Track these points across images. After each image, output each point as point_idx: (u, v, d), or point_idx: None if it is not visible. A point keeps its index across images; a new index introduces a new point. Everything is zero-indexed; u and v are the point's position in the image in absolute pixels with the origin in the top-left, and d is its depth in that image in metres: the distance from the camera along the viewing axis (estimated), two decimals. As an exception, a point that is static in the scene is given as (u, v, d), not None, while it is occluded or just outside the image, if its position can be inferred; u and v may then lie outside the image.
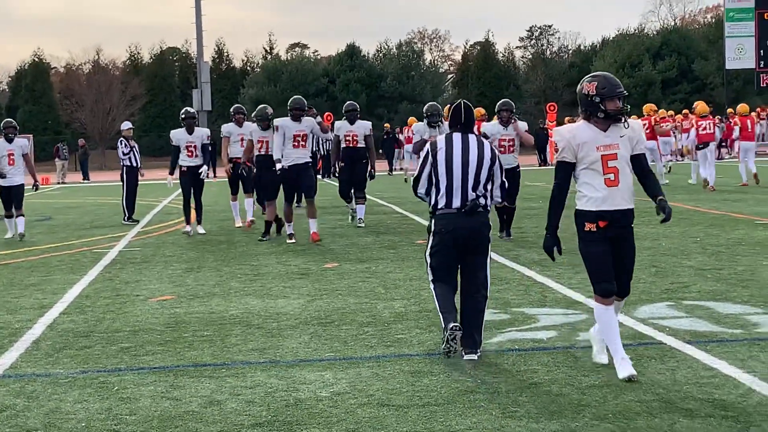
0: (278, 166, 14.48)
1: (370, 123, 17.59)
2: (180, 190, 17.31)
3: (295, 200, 18.70)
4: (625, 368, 6.36)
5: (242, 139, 17.16)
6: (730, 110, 30.56)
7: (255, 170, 15.79)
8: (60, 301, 10.14)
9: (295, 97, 15.28)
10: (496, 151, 7.45)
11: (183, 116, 16.98)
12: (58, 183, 46.61)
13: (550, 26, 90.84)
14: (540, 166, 43.64)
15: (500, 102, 14.77)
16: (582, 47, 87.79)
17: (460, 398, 6.01)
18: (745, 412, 5.55)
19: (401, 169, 46.59)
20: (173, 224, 19.03)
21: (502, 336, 7.77)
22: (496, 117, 14.52)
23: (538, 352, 7.21)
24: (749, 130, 26.97)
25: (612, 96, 6.46)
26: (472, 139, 7.27)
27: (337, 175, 18.55)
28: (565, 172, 6.56)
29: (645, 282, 10.09)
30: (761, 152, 46.60)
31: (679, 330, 7.74)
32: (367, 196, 21.94)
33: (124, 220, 19.95)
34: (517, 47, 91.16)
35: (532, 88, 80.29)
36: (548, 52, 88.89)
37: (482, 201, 7.25)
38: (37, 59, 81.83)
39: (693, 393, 5.96)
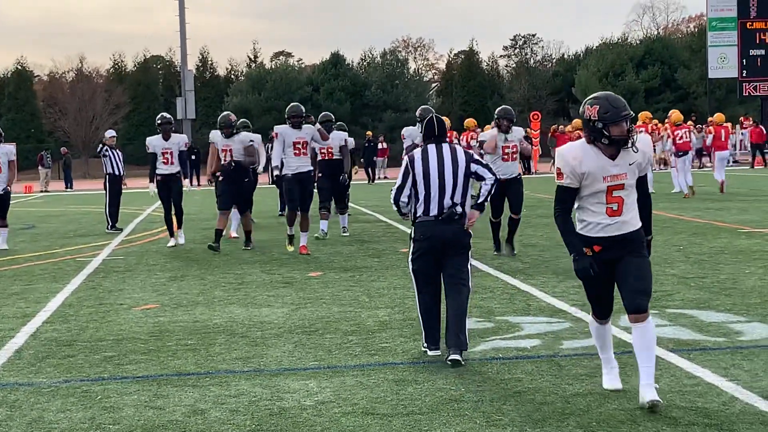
0: (276, 172, 14.48)
1: (345, 133, 17.27)
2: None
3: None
4: (611, 380, 6.33)
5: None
6: (711, 119, 30.92)
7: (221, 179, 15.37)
8: (43, 310, 10.10)
9: (293, 104, 15.00)
10: (470, 152, 7.77)
11: (159, 121, 16.40)
12: (42, 191, 46.44)
13: (533, 35, 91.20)
14: (524, 174, 43.69)
15: (499, 109, 14.13)
16: (566, 56, 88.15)
17: (445, 407, 6.01)
18: (729, 420, 5.57)
19: (385, 177, 46.64)
20: (157, 233, 18.98)
21: (485, 344, 7.78)
22: (493, 124, 13.80)
23: (522, 360, 7.22)
24: (722, 140, 27.48)
25: (616, 121, 5.88)
26: (446, 148, 7.63)
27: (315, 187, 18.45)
28: (570, 197, 6.02)
29: (628, 290, 10.10)
30: (744, 161, 46.89)
31: (663, 338, 7.76)
32: (351, 205, 22.02)
33: (107, 228, 19.89)
34: (501, 56, 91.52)
35: (516, 96, 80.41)
36: (532, 61, 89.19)
37: (459, 209, 7.52)
38: (20, 67, 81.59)
39: (676, 401, 5.98)
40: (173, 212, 16.37)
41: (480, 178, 7.66)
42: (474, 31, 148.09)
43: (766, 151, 44.11)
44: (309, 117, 15.98)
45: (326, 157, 16.69)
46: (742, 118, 44.58)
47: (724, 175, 26.68)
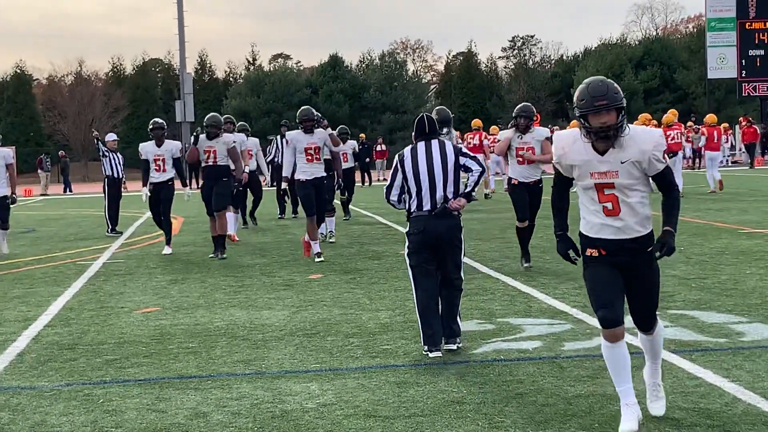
0: (286, 180, 14.16)
1: (354, 142, 17.11)
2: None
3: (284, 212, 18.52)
4: (626, 420, 5.42)
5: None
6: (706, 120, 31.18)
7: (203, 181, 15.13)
8: (44, 314, 10.10)
9: (304, 107, 14.46)
10: (459, 145, 8.13)
11: (150, 127, 15.95)
12: (41, 195, 46.44)
13: (532, 36, 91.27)
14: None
15: (518, 107, 12.63)
16: (564, 57, 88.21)
17: (447, 409, 6.01)
18: (731, 421, 5.57)
19: (385, 179, 46.65)
20: (157, 236, 18.97)
21: (487, 346, 7.78)
22: (510, 123, 12.84)
23: (524, 362, 7.22)
24: (715, 141, 28.17)
25: (590, 110, 5.28)
26: (434, 143, 7.89)
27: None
28: (561, 182, 5.69)
29: (629, 291, 10.10)
30: (739, 161, 46.91)
31: (664, 339, 7.74)
32: (351, 207, 22.02)
33: (107, 232, 19.89)
34: (499, 57, 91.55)
35: (515, 98, 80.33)
36: (531, 62, 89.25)
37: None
38: (19, 71, 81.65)
39: (678, 402, 5.98)
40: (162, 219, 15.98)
41: (468, 169, 7.90)
42: (472, 33, 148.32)
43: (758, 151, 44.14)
44: (322, 121, 15.63)
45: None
46: (741, 119, 44.59)
47: (718, 174, 27.03)
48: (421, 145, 7.88)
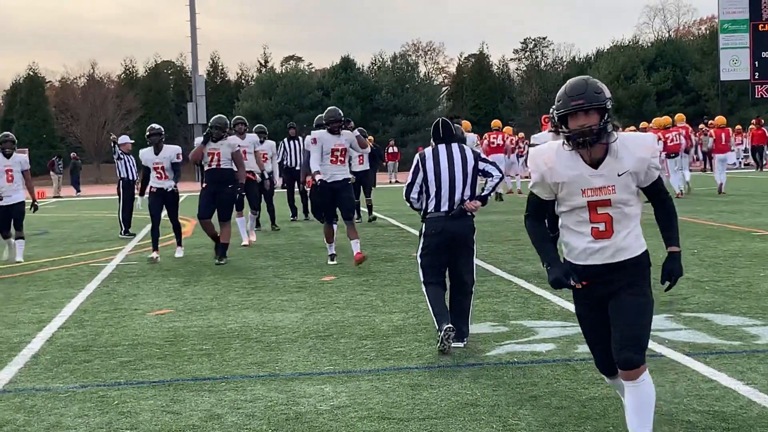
0: (317, 177, 13.31)
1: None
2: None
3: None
4: None
5: (244, 152, 16.58)
6: (711, 121, 31.33)
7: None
8: (58, 315, 10.13)
9: (330, 108, 14.02)
10: (477, 151, 8.35)
11: (147, 134, 15.34)
12: (54, 197, 46.58)
13: (544, 38, 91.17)
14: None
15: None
16: (576, 59, 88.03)
17: (461, 411, 6.01)
18: (746, 424, 5.56)
19: (396, 181, 46.65)
20: (170, 238, 19.01)
21: (501, 348, 7.78)
22: (548, 125, 12.48)
23: (538, 364, 7.22)
24: (723, 143, 28.38)
25: (568, 111, 4.62)
26: (455, 147, 8.14)
27: (308, 195, 17.37)
28: (540, 208, 4.91)
29: (643, 294, 10.09)
30: (752, 163, 46.74)
31: (678, 342, 7.75)
32: (362, 210, 22.03)
33: (120, 234, 19.94)
34: (511, 59, 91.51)
35: (527, 100, 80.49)
36: (543, 64, 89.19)
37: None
38: (32, 73, 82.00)
39: (693, 405, 5.97)
40: (166, 225, 15.69)
41: (488, 174, 8.24)
42: (484, 35, 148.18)
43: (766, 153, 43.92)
44: (349, 122, 15.43)
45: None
46: (754, 121, 44.46)
47: (725, 177, 27.34)
48: (441, 147, 8.13)
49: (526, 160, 31.61)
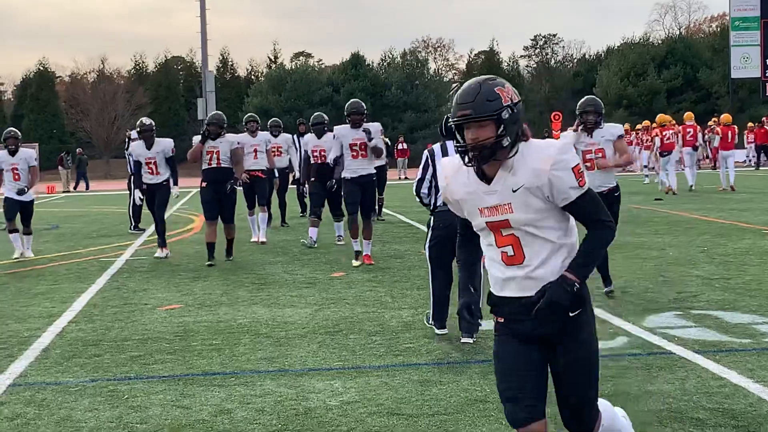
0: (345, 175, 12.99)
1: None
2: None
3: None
4: None
5: (255, 150, 16.53)
6: (714, 118, 31.51)
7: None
8: (69, 310, 10.16)
9: (353, 100, 13.60)
10: None
11: (138, 129, 14.82)
12: (64, 192, 46.69)
13: (554, 35, 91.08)
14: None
15: (583, 101, 10.35)
16: (587, 56, 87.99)
17: (470, 407, 6.02)
18: (755, 421, 5.55)
19: (406, 178, 46.66)
20: (179, 233, 19.07)
21: (510, 345, 7.77)
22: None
23: (547, 361, 7.20)
24: (729, 140, 28.72)
25: (455, 123, 3.93)
26: None
27: (305, 194, 16.71)
28: (464, 223, 4.35)
29: (652, 291, 10.09)
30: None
31: (688, 340, 7.74)
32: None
33: (130, 229, 19.98)
34: (521, 56, 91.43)
35: (537, 97, 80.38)
36: (553, 61, 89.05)
37: None
38: (42, 68, 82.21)
39: (703, 403, 5.96)
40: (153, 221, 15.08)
41: None
42: (494, 32, 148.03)
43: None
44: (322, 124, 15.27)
45: (319, 160, 15.13)
46: (765, 119, 44.35)
47: (733, 174, 27.72)
48: (450, 143, 8.24)
49: None
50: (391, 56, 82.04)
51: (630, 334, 8.03)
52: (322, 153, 15.10)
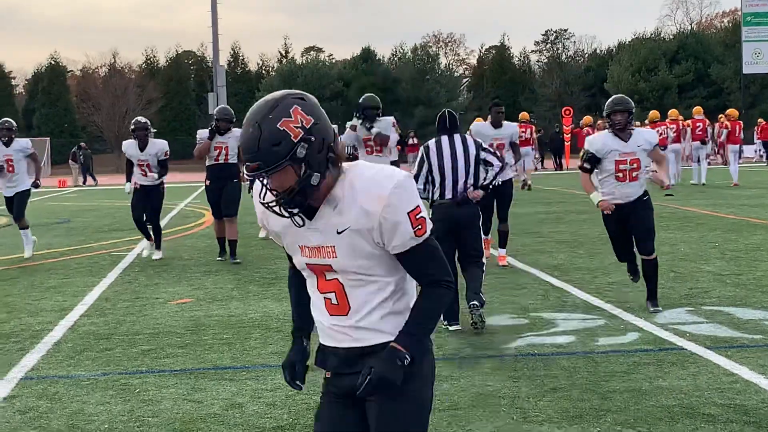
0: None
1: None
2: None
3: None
4: None
5: None
6: (721, 115, 31.64)
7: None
8: (80, 304, 10.19)
9: (368, 94, 13.05)
10: (479, 141, 8.78)
11: (132, 127, 13.88)
12: (75, 186, 46.79)
13: (565, 30, 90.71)
14: (556, 170, 43.60)
15: (611, 99, 9.08)
16: (598, 51, 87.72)
17: (481, 402, 6.02)
18: (767, 417, 5.54)
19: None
20: (191, 227, 19.09)
21: (521, 340, 7.78)
22: (602, 122, 11.28)
23: (558, 356, 7.21)
24: (736, 135, 29.24)
25: (251, 176, 3.19)
26: (457, 138, 8.59)
27: None
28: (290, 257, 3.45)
29: (664, 287, 10.06)
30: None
31: (700, 335, 7.73)
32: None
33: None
34: (532, 51, 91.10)
35: (548, 92, 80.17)
36: (564, 56, 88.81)
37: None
38: (53, 62, 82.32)
39: (714, 398, 5.96)
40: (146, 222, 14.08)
41: (488, 164, 8.60)
42: (505, 26, 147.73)
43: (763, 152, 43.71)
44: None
45: None
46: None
47: (737, 168, 28.17)
48: (444, 139, 8.58)
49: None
50: (401, 51, 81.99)
51: (641, 330, 8.02)
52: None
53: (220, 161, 13.25)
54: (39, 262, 14.06)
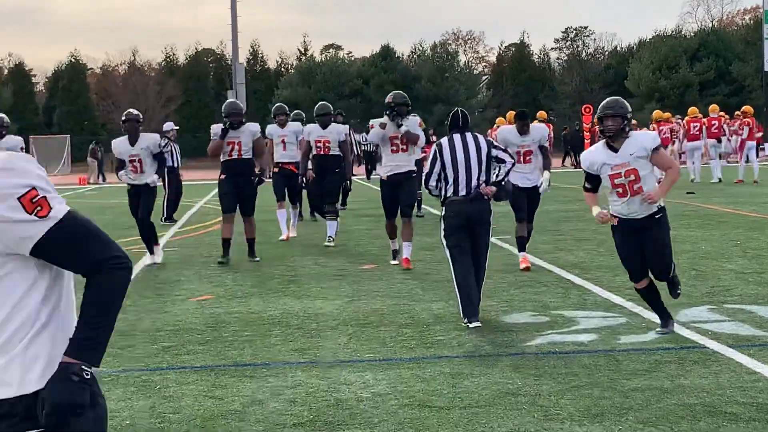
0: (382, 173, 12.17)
1: (346, 127, 15.45)
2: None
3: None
4: None
5: (284, 142, 15.68)
6: (737, 112, 31.58)
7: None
8: (101, 301, 10.20)
9: (396, 92, 12.56)
10: (490, 139, 9.11)
11: (123, 119, 13.14)
12: (95, 183, 46.97)
13: (585, 27, 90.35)
14: (575, 168, 43.48)
15: (603, 103, 7.81)
16: (618, 49, 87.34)
17: (502, 400, 6.00)
18: (791, 416, 5.51)
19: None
20: (211, 224, 19.13)
21: (542, 338, 7.75)
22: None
23: (579, 354, 7.19)
24: (753, 131, 29.20)
25: None
26: (469, 136, 8.78)
27: (304, 187, 15.54)
28: None
29: (685, 285, 9.98)
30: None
31: (722, 334, 7.69)
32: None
33: (161, 219, 20.07)
34: (552, 49, 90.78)
35: (568, 89, 79.93)
36: (584, 54, 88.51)
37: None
38: (73, 60, 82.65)
39: (736, 397, 5.92)
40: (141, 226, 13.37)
41: (500, 161, 8.81)
42: (525, 24, 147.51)
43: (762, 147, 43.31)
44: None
45: (321, 152, 14.39)
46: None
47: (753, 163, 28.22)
48: (457, 137, 8.77)
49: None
50: (421, 48, 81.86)
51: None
52: (326, 144, 14.36)
53: (234, 156, 12.88)
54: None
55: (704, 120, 29.24)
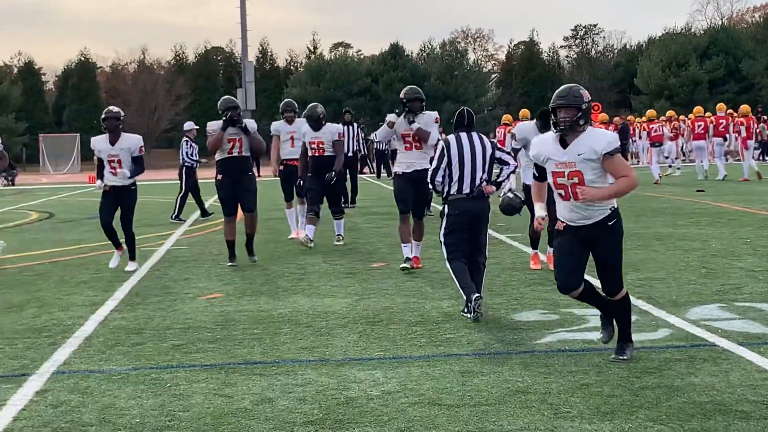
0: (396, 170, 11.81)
1: (339, 125, 15.12)
2: None
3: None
4: None
5: (292, 138, 15.29)
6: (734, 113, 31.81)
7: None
8: (111, 299, 10.24)
9: (410, 86, 12.07)
10: (493, 141, 9.35)
11: (103, 116, 12.34)
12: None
13: (595, 25, 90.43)
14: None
15: (556, 92, 7.03)
16: (628, 46, 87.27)
17: (512, 398, 6.00)
18: (802, 415, 5.49)
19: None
20: (219, 223, 19.11)
21: (552, 336, 7.74)
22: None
23: (589, 352, 7.18)
24: (750, 130, 29.59)
25: None
26: (475, 136, 9.01)
27: (301, 188, 14.98)
28: None
29: (695, 283, 10.00)
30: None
31: (732, 332, 7.67)
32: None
33: (172, 217, 20.10)
34: (561, 47, 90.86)
35: (577, 87, 79.79)
36: (593, 52, 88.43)
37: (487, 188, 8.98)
38: (83, 59, 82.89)
39: (747, 395, 5.90)
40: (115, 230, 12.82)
41: (504, 162, 9.10)
42: (534, 22, 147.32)
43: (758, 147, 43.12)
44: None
45: (317, 153, 14.14)
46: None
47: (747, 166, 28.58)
48: (463, 135, 9.00)
49: None
50: (430, 46, 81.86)
51: (673, 326, 7.97)
52: (320, 145, 14.08)
53: (233, 154, 12.47)
54: (70, 257, 14.15)
55: (712, 118, 29.29)
